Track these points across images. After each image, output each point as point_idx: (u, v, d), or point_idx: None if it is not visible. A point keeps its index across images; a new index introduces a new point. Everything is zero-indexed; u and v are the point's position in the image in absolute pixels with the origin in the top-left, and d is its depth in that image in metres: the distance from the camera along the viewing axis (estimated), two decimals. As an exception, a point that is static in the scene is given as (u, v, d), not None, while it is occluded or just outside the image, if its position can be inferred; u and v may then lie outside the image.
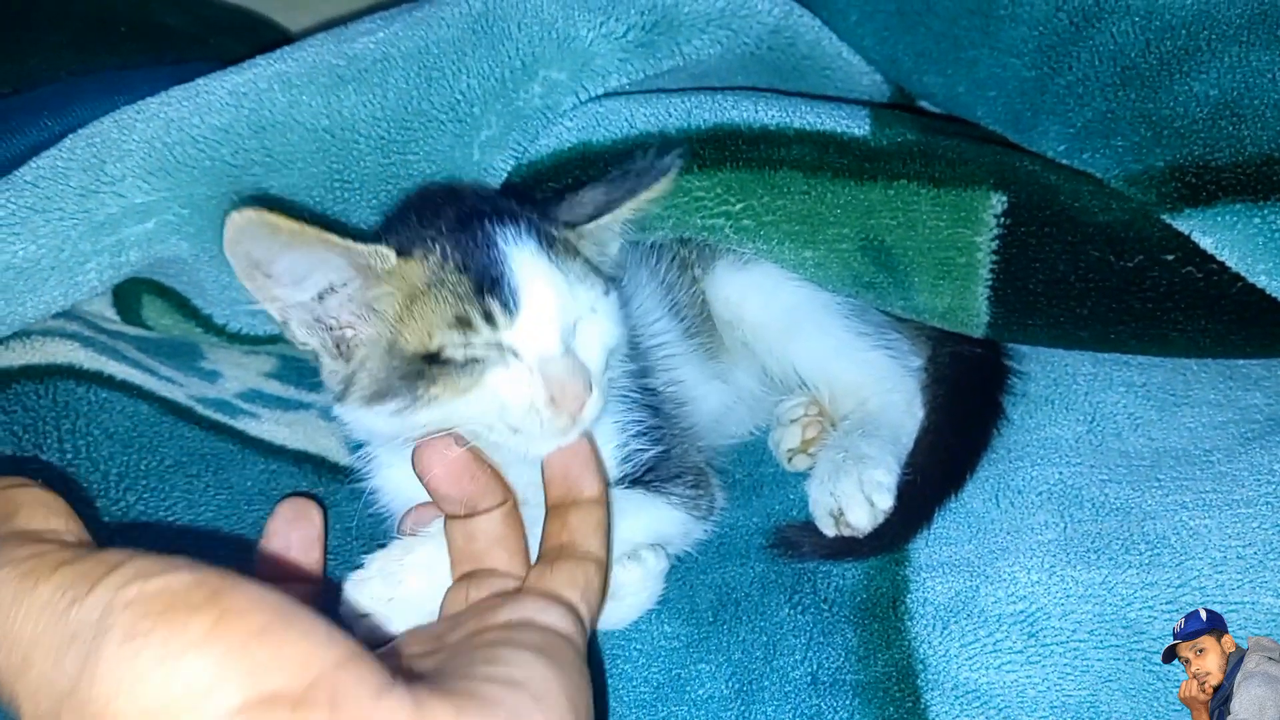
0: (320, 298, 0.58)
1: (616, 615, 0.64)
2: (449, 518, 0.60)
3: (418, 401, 0.58)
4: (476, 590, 0.56)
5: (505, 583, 0.57)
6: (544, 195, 0.72)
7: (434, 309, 0.58)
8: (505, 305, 0.57)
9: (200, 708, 0.34)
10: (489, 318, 0.57)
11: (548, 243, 0.61)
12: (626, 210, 0.64)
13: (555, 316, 0.58)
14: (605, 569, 0.56)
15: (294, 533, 0.61)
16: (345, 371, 0.60)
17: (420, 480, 0.58)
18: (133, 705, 0.35)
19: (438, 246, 0.60)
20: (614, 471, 0.67)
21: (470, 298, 0.58)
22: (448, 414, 0.58)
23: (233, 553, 0.66)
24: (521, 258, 0.59)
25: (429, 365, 0.58)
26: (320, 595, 0.58)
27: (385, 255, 0.58)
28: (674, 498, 0.67)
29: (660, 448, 0.67)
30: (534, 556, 0.59)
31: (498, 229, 0.60)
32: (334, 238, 0.55)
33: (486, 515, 0.59)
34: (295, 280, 0.57)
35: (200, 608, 0.36)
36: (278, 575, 0.41)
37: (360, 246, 0.57)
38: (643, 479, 0.67)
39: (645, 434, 0.66)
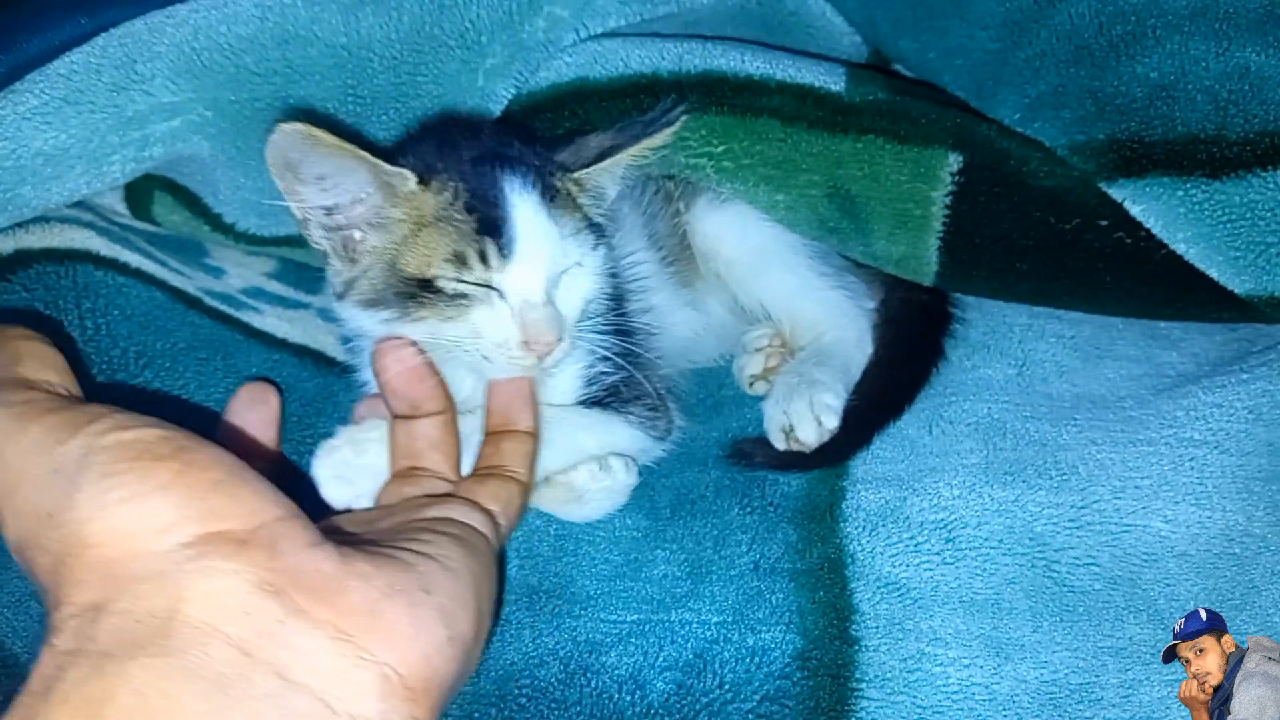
0: (340, 205, 0.64)
1: (580, 514, 0.71)
2: (395, 416, 0.65)
3: (406, 317, 0.64)
4: (410, 488, 0.61)
5: (436, 484, 0.62)
6: (553, 135, 0.76)
7: (437, 240, 0.63)
8: (501, 250, 0.62)
9: (159, 539, 0.40)
10: (484, 258, 0.62)
11: (549, 195, 0.65)
12: (627, 156, 0.68)
13: (543, 267, 0.63)
14: (527, 491, 0.63)
15: (251, 414, 0.65)
16: (349, 274, 0.65)
17: (376, 378, 0.64)
18: (103, 529, 0.40)
19: (452, 184, 0.64)
20: (579, 392, 0.73)
21: (471, 237, 0.63)
22: (429, 331, 0.64)
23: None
24: (524, 208, 0.63)
25: (421, 289, 0.63)
26: (276, 471, 0.60)
27: (407, 179, 0.63)
28: (632, 418, 0.73)
29: (624, 373, 0.72)
30: (466, 463, 0.65)
31: (507, 176, 0.64)
32: (367, 155, 0.60)
33: (428, 419, 0.64)
34: (323, 187, 0.62)
35: (166, 458, 0.42)
36: (237, 452, 0.47)
37: (388, 167, 0.62)
38: (603, 400, 0.73)
39: (611, 359, 0.71)
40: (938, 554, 0.63)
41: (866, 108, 0.75)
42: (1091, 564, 0.62)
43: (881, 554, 0.64)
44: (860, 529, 0.66)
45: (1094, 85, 0.72)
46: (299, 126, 0.58)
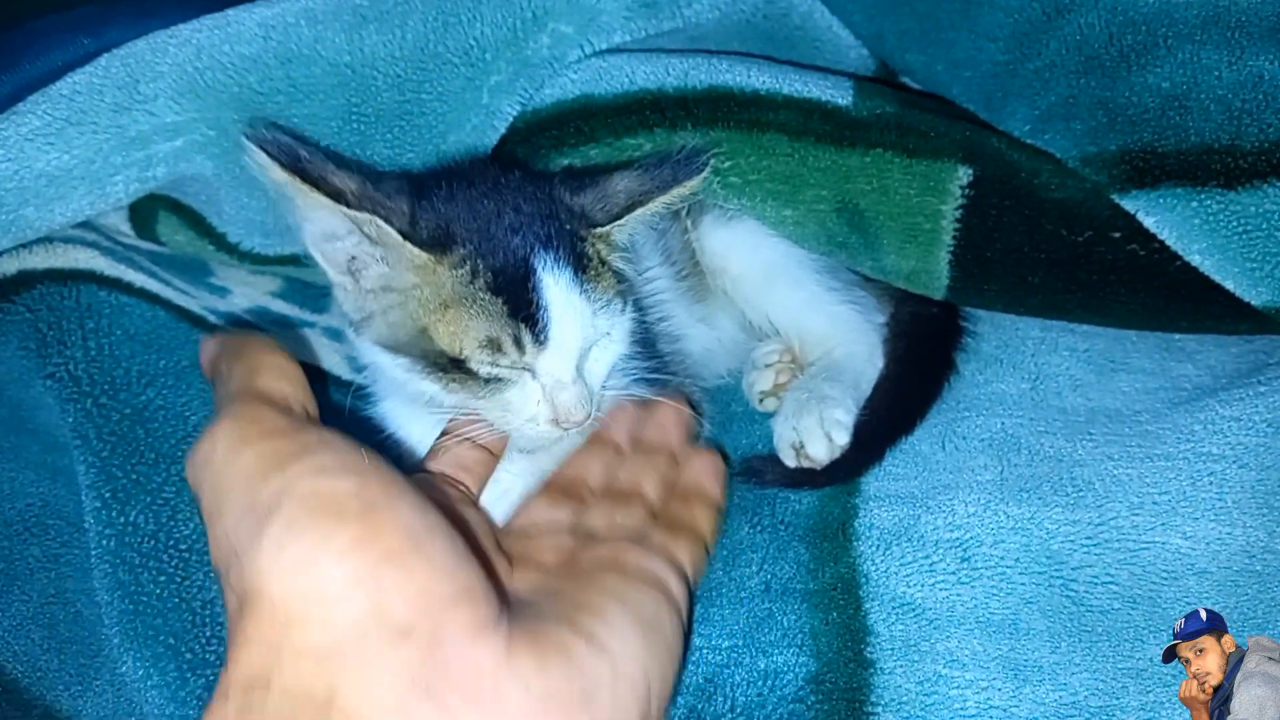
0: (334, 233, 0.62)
1: None
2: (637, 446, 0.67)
3: (429, 377, 0.63)
4: (624, 516, 0.61)
5: (642, 513, 0.62)
6: (572, 172, 0.74)
7: (467, 322, 0.61)
8: (536, 337, 0.61)
9: (327, 610, 0.40)
10: (519, 344, 0.61)
11: (581, 268, 0.63)
12: (658, 204, 0.67)
13: (577, 349, 0.63)
14: (707, 562, 0.62)
15: None
16: (361, 305, 0.64)
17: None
18: (277, 587, 0.40)
19: (469, 262, 0.61)
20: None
21: (503, 322, 0.61)
22: (456, 403, 0.64)
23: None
24: (556, 288, 0.62)
25: (453, 365, 0.62)
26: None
27: (416, 254, 0.61)
28: None
29: (655, 390, 0.72)
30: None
31: (538, 252, 0.62)
32: (378, 221, 0.59)
33: (665, 454, 0.67)
34: (325, 235, 0.62)
35: (350, 518, 0.41)
36: None
37: (395, 237, 0.60)
38: None
39: (645, 380, 0.71)
40: (953, 573, 0.62)
41: (875, 121, 0.75)
42: (1110, 582, 0.61)
43: (896, 573, 0.63)
44: (874, 548, 0.65)
45: (1105, 96, 0.72)
46: (253, 152, 0.58)
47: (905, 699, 0.57)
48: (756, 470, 0.72)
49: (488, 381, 0.62)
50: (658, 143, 0.76)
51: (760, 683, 0.59)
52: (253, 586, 0.41)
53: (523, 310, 0.61)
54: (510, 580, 0.54)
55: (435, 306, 0.62)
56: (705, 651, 0.61)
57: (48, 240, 0.76)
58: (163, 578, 0.65)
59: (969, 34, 0.80)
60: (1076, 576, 0.61)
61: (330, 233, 0.62)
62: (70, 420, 0.70)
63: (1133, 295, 0.74)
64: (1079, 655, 0.58)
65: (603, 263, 0.66)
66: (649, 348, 0.73)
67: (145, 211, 0.82)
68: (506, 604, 0.46)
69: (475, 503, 0.63)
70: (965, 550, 0.63)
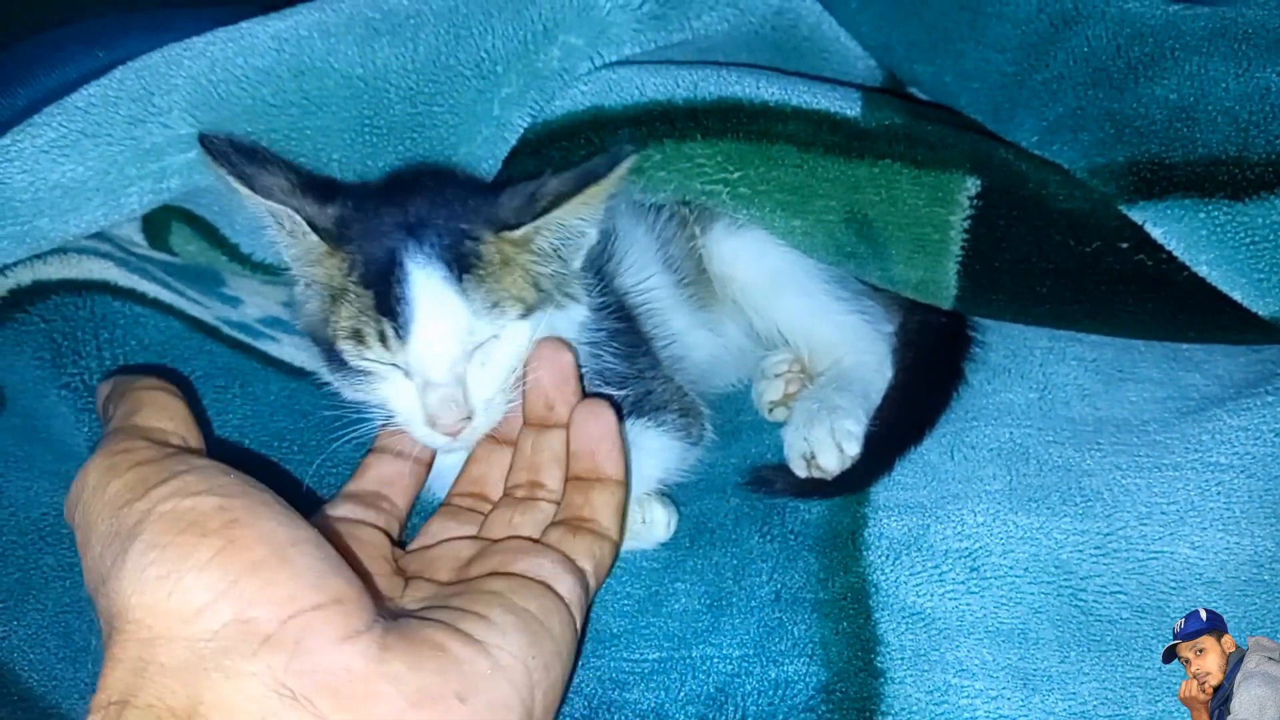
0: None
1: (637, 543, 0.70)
2: (526, 424, 0.65)
3: (329, 368, 0.66)
4: (522, 517, 0.62)
5: (547, 510, 0.62)
6: (511, 179, 0.73)
7: (343, 312, 0.63)
8: (398, 331, 0.61)
9: (188, 625, 0.41)
10: (382, 337, 0.62)
11: (461, 267, 0.62)
12: (576, 204, 0.64)
13: (445, 348, 0.62)
14: (617, 549, 0.62)
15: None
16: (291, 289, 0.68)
17: (524, 379, 0.64)
18: (139, 605, 0.41)
19: (351, 254, 0.64)
20: None
21: (369, 315, 0.62)
22: (349, 393, 0.66)
23: (258, 462, 0.72)
24: (425, 284, 0.61)
25: (336, 355, 0.64)
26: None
27: (316, 243, 0.64)
28: (666, 425, 0.72)
29: (631, 391, 0.72)
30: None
31: (411, 249, 0.62)
32: (289, 213, 0.63)
33: (557, 431, 0.64)
34: (258, 227, 0.67)
35: (212, 533, 0.42)
36: None
37: (302, 226, 0.64)
38: (630, 415, 0.72)
39: (616, 374, 0.71)
40: (963, 583, 0.62)
41: (883, 132, 0.75)
42: (1119, 592, 0.61)
43: (905, 583, 0.63)
44: (883, 557, 0.65)
45: (1112, 107, 0.72)
46: (200, 150, 0.63)
47: (915, 708, 0.57)
48: (766, 480, 0.73)
49: (361, 374, 0.64)
50: (667, 153, 0.76)
51: (771, 692, 0.59)
52: (118, 608, 0.41)
53: (386, 306, 0.62)
54: (401, 598, 0.55)
55: (328, 297, 0.64)
56: (716, 661, 0.62)
57: (61, 251, 0.77)
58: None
59: (977, 45, 0.80)
60: (1085, 586, 0.61)
61: (259, 224, 0.66)
62: (85, 430, 0.71)
63: (1141, 305, 0.74)
64: (1088, 664, 0.58)
65: (504, 264, 0.64)
66: (628, 354, 0.73)
67: (158, 222, 0.83)
68: (384, 611, 0.46)
69: (397, 523, 0.64)
70: (974, 560, 0.63)
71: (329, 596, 0.43)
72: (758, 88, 0.78)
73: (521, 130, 0.81)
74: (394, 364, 0.63)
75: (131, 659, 0.41)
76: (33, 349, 0.74)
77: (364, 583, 0.46)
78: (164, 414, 0.52)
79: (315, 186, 0.67)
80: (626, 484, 0.64)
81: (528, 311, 0.65)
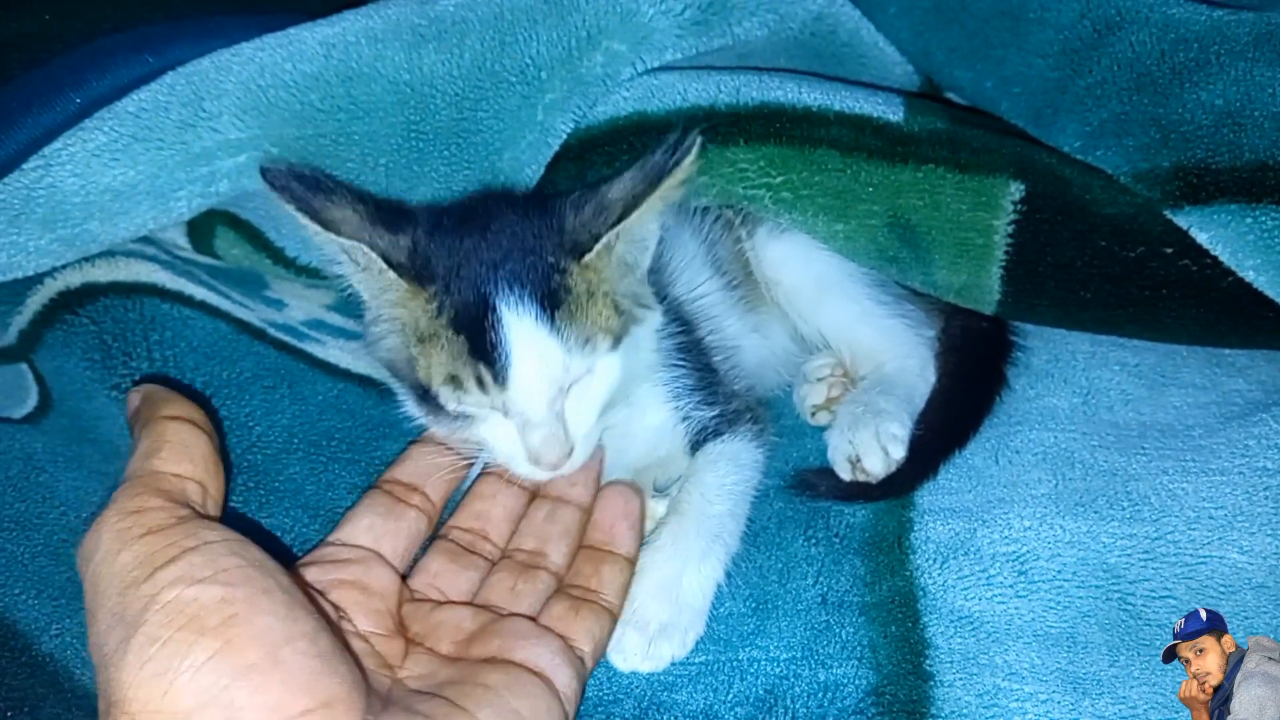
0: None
1: None
2: (542, 495, 0.68)
3: (418, 406, 0.66)
4: (524, 585, 0.62)
5: (549, 581, 0.63)
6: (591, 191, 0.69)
7: (435, 357, 0.63)
8: (496, 376, 0.61)
9: None
10: (480, 382, 0.62)
11: (552, 304, 0.62)
12: (655, 202, 0.64)
13: (544, 389, 0.62)
14: (614, 625, 0.63)
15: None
16: (369, 322, 0.67)
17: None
18: (135, 700, 0.42)
19: (439, 296, 0.63)
20: (682, 437, 0.73)
21: (464, 360, 0.62)
22: (444, 434, 0.67)
23: (306, 462, 0.73)
24: (519, 327, 0.61)
25: (429, 396, 0.64)
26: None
27: (397, 283, 0.63)
28: (748, 436, 0.73)
29: (719, 408, 0.73)
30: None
31: (502, 289, 0.62)
32: (364, 248, 0.62)
33: (573, 509, 0.67)
34: (330, 260, 0.66)
35: (210, 631, 0.43)
36: None
37: (378, 264, 0.63)
38: (712, 431, 0.73)
39: (697, 392, 0.72)
40: (1010, 587, 0.63)
41: (926, 137, 0.76)
42: (1168, 596, 0.61)
43: (953, 587, 0.63)
44: (930, 561, 0.65)
45: (1157, 113, 0.72)
46: (264, 185, 0.62)
47: (965, 711, 0.58)
48: (810, 483, 0.73)
49: (458, 417, 0.64)
50: (710, 158, 0.77)
51: (820, 695, 0.60)
52: (116, 696, 0.43)
53: (481, 351, 0.61)
54: (403, 665, 0.56)
55: (414, 338, 0.64)
56: (764, 663, 0.62)
57: (109, 254, 0.78)
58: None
59: (1019, 51, 0.80)
60: (1134, 590, 0.62)
61: (332, 258, 0.65)
62: (137, 430, 0.72)
63: (1184, 311, 0.74)
64: (1138, 669, 0.59)
65: (590, 295, 0.64)
66: (698, 366, 0.74)
67: (203, 226, 0.83)
68: (378, 703, 0.48)
69: (428, 520, 0.65)
70: (1022, 564, 0.64)
71: (319, 700, 0.44)
72: (800, 93, 0.78)
73: (565, 135, 0.81)
74: (492, 407, 0.63)
75: None
76: (82, 350, 0.75)
77: (359, 673, 0.48)
78: (184, 456, 0.52)
79: (384, 213, 0.65)
80: (635, 563, 0.65)
81: (616, 342, 0.65)
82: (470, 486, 0.70)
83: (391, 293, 0.64)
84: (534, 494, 0.69)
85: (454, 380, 0.62)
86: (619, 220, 0.63)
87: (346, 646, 0.50)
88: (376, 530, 0.62)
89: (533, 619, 0.60)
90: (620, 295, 0.66)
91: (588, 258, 0.64)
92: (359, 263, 0.64)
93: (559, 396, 0.63)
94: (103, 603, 0.45)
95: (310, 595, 0.52)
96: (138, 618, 0.44)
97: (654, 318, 0.69)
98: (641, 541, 0.67)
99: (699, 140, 0.65)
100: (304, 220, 0.63)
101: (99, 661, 0.45)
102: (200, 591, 0.44)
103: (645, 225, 0.66)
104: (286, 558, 0.58)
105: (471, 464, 0.70)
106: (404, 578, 0.63)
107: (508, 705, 0.52)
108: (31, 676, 0.59)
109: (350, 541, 0.61)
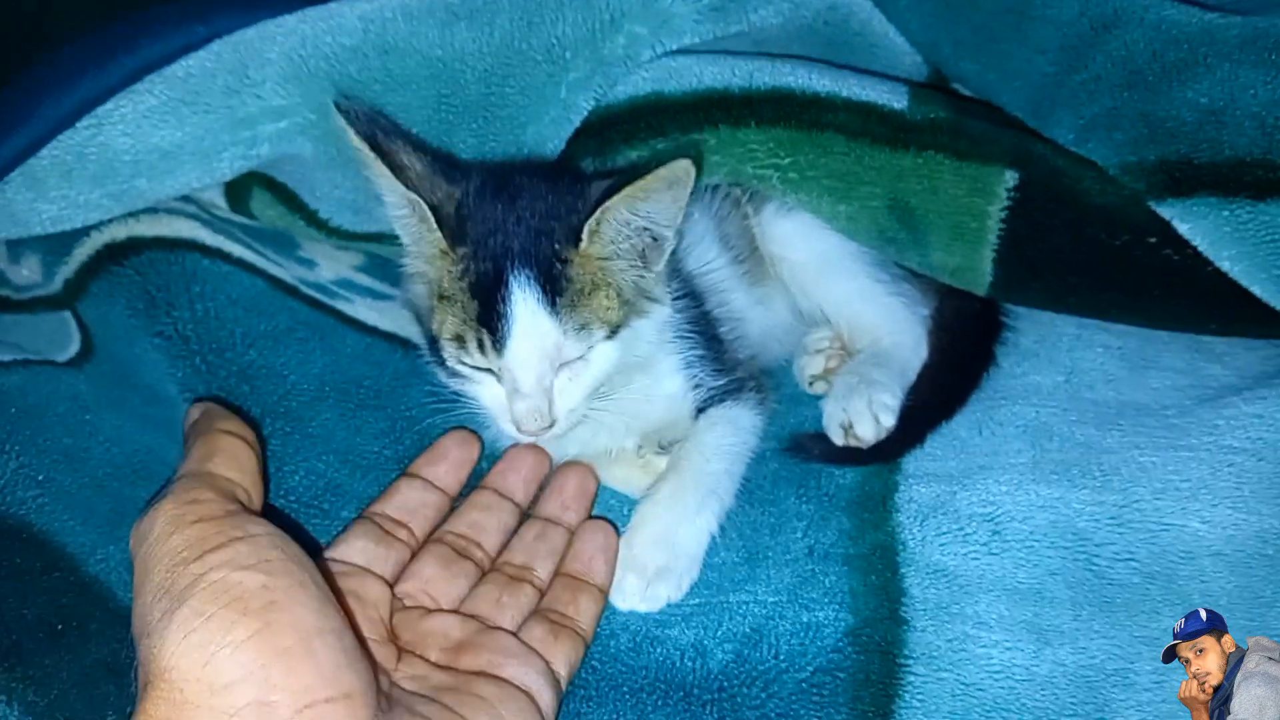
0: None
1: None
2: (536, 515, 0.72)
3: (428, 352, 0.71)
4: (509, 598, 0.66)
5: (532, 595, 0.67)
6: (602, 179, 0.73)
7: (448, 314, 0.69)
8: (495, 344, 0.67)
9: (218, 694, 0.45)
10: (481, 345, 0.68)
11: (555, 290, 0.67)
12: (622, 199, 0.66)
13: (535, 364, 0.67)
14: (586, 649, 0.66)
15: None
16: (407, 264, 0.73)
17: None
18: (177, 669, 0.45)
19: (465, 261, 0.68)
20: (690, 401, 0.77)
21: (472, 324, 0.67)
22: (444, 379, 0.71)
23: (337, 408, 0.78)
24: (523, 304, 0.66)
25: (435, 345, 0.70)
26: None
27: (438, 240, 0.68)
28: (751, 402, 0.77)
29: (727, 378, 0.77)
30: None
31: (516, 268, 0.67)
32: (420, 202, 0.67)
33: (561, 531, 0.71)
34: (390, 205, 0.70)
35: (252, 614, 0.46)
36: None
37: (431, 219, 0.67)
38: (719, 399, 0.77)
39: (708, 362, 0.77)
40: (985, 544, 0.67)
41: (928, 125, 0.79)
42: (1131, 559, 0.65)
43: (932, 542, 0.68)
44: (912, 519, 0.70)
45: (1146, 109, 0.75)
46: (336, 118, 0.66)
47: (936, 654, 0.62)
48: (805, 446, 0.78)
49: (454, 372, 0.70)
50: (722, 138, 0.81)
51: (802, 634, 0.65)
52: (158, 667, 0.45)
53: (488, 318, 0.67)
54: (395, 670, 0.59)
55: (437, 292, 0.69)
56: (751, 605, 0.67)
57: (153, 210, 0.83)
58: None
59: (1020, 46, 0.83)
60: (1100, 552, 0.66)
61: (392, 203, 0.70)
62: (179, 375, 0.77)
63: (1167, 297, 0.77)
64: (1098, 623, 0.63)
65: (593, 284, 0.69)
66: (708, 338, 0.78)
67: (240, 187, 0.88)
68: (385, 701, 0.51)
69: (409, 553, 0.68)
70: (997, 524, 0.68)
71: (341, 691, 0.47)
72: (810, 79, 0.81)
73: (586, 112, 0.85)
74: (489, 369, 0.69)
75: (161, 718, 0.45)
76: (126, 299, 0.80)
77: (374, 671, 0.51)
78: (234, 464, 0.56)
79: (440, 164, 0.71)
80: (607, 594, 0.69)
81: (613, 332, 0.70)
82: (468, 496, 0.73)
83: (428, 247, 0.70)
84: (525, 513, 0.73)
85: (459, 339, 0.68)
86: (594, 209, 0.67)
87: (364, 645, 0.54)
88: (369, 553, 0.65)
89: (516, 635, 0.63)
90: (625, 288, 0.71)
91: (583, 246, 0.69)
92: (415, 214, 0.69)
93: (549, 373, 0.68)
94: (151, 578, 0.48)
95: (338, 592, 0.56)
96: (184, 593, 0.46)
97: (661, 312, 0.73)
98: (613, 574, 0.70)
99: (685, 162, 0.67)
100: (371, 158, 0.67)
101: (141, 633, 0.47)
102: (245, 577, 0.47)
103: (628, 216, 0.68)
104: (315, 551, 0.62)
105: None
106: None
107: (500, 718, 0.55)
108: (80, 595, 0.63)
109: (344, 559, 0.65)
